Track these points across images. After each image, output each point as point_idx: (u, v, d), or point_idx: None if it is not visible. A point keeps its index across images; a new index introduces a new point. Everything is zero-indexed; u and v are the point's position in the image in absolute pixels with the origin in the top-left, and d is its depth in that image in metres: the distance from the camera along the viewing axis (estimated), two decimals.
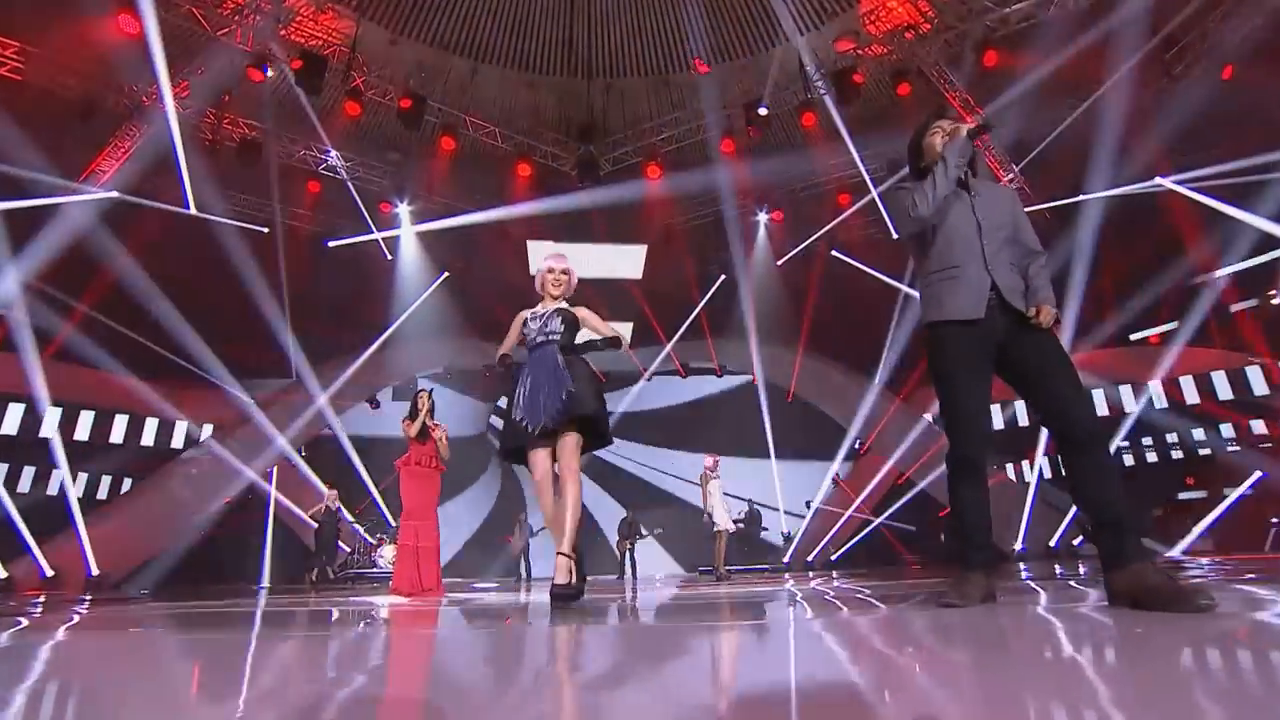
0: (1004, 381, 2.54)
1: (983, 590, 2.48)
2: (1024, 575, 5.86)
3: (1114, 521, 2.20)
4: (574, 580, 3.32)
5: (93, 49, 10.73)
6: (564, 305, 3.85)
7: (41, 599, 7.85)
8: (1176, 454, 14.02)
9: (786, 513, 16.02)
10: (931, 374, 2.61)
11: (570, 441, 3.49)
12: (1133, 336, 13.73)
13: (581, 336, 3.81)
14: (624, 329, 15.70)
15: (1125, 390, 14.42)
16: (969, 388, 2.48)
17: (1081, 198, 11.89)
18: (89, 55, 10.89)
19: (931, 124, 2.80)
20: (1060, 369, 2.42)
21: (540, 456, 3.55)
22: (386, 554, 13.09)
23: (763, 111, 12.33)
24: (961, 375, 2.50)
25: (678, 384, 17.85)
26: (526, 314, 3.85)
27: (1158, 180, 11.21)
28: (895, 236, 13.18)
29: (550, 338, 3.69)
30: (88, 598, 8.17)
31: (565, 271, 3.89)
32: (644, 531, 13.33)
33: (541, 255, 3.96)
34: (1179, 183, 11.13)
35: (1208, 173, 10.85)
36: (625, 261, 15.34)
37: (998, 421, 15.96)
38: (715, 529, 8.92)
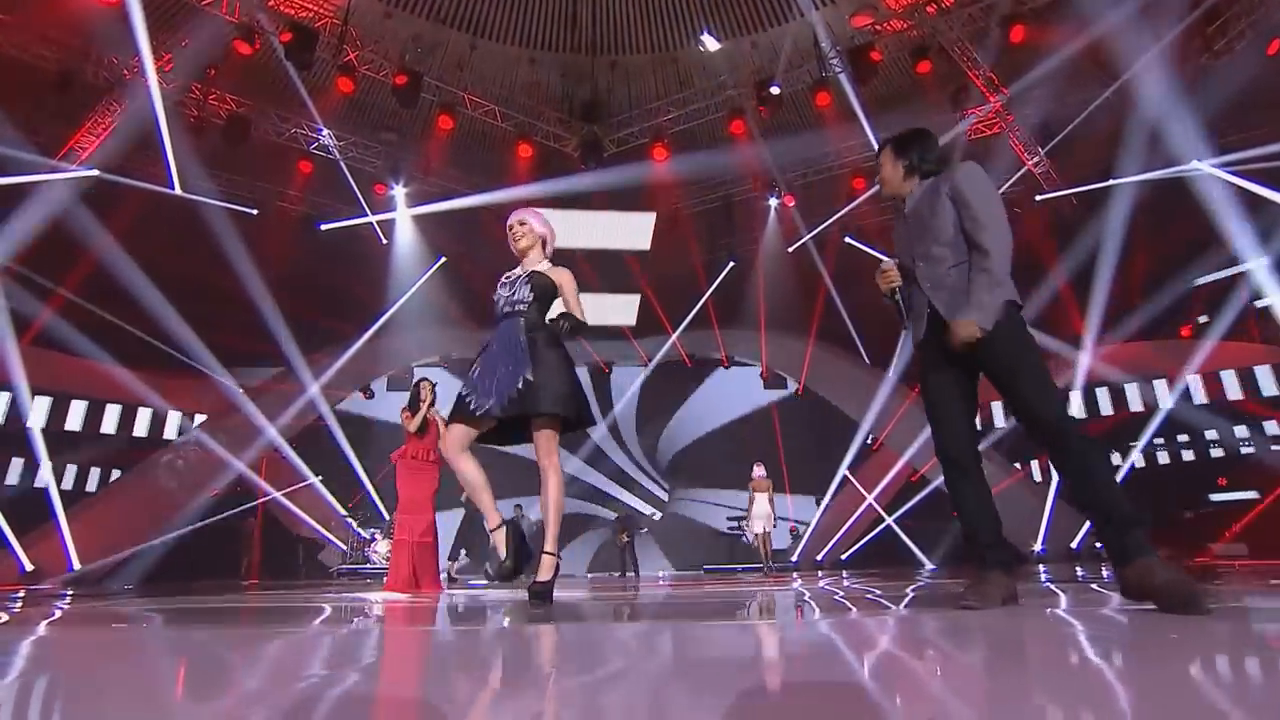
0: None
1: (1003, 591, 2.42)
2: (1044, 578, 5.65)
3: (1109, 519, 2.15)
4: (553, 576, 3.12)
5: (70, 18, 10.22)
6: (541, 268, 3.37)
7: (20, 594, 7.43)
8: (1216, 452, 13.31)
9: (795, 494, 15.48)
10: None
11: (545, 437, 3.11)
12: (1163, 329, 13.12)
13: (559, 307, 3.34)
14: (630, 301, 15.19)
15: (1160, 385, 13.70)
16: (937, 390, 2.62)
17: (1111, 182, 11.33)
18: (66, 24, 10.37)
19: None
20: (1017, 371, 2.37)
21: (458, 431, 3.11)
22: (381, 549, 12.68)
23: (775, 90, 11.78)
24: (929, 382, 2.66)
25: (687, 417, 17.30)
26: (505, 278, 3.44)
27: (1194, 164, 10.60)
28: None
29: (517, 308, 3.27)
30: (67, 593, 7.75)
31: (523, 223, 3.44)
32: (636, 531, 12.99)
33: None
34: (1217, 166, 10.52)
35: (1249, 155, 10.27)
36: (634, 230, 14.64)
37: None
38: (754, 533, 10.27)
